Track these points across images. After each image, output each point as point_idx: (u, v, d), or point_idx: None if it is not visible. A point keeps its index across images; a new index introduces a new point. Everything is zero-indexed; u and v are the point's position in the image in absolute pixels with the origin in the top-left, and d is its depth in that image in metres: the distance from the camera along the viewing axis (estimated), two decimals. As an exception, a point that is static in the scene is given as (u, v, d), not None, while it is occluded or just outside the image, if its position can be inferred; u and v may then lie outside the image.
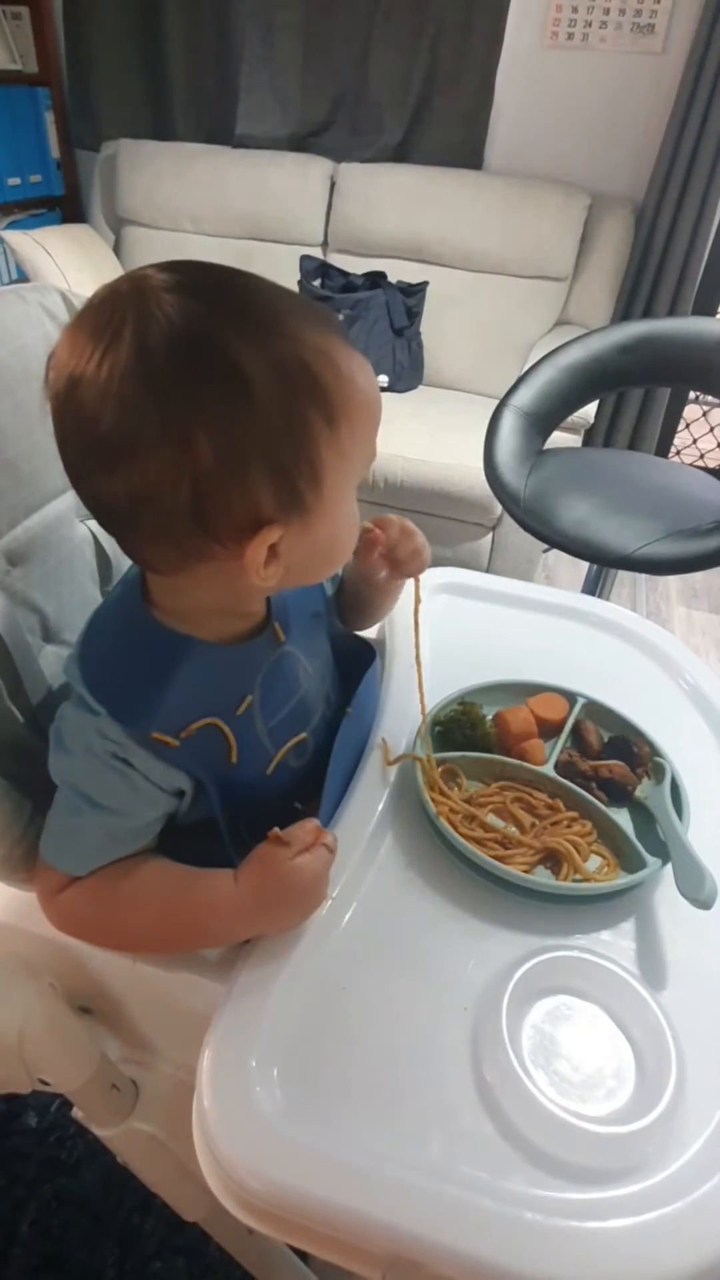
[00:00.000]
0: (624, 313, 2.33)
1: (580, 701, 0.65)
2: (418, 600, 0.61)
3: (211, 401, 0.39)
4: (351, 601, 0.67)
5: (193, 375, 0.38)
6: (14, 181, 2.50)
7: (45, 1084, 0.51)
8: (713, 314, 2.39)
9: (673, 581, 2.26)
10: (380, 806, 0.57)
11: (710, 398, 2.60)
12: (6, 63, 2.44)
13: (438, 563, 2.34)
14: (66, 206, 2.70)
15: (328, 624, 0.62)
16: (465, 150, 2.31)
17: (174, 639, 0.49)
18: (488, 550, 2.01)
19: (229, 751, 0.50)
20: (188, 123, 2.52)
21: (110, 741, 0.47)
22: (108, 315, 0.40)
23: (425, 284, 2.23)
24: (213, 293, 0.41)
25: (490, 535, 1.99)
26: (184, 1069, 0.57)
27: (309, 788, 0.57)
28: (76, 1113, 0.57)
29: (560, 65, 2.20)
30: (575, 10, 2.12)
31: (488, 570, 2.05)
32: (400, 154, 2.36)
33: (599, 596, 1.57)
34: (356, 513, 0.49)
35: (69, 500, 0.63)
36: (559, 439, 1.66)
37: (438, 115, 2.30)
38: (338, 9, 2.25)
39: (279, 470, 0.41)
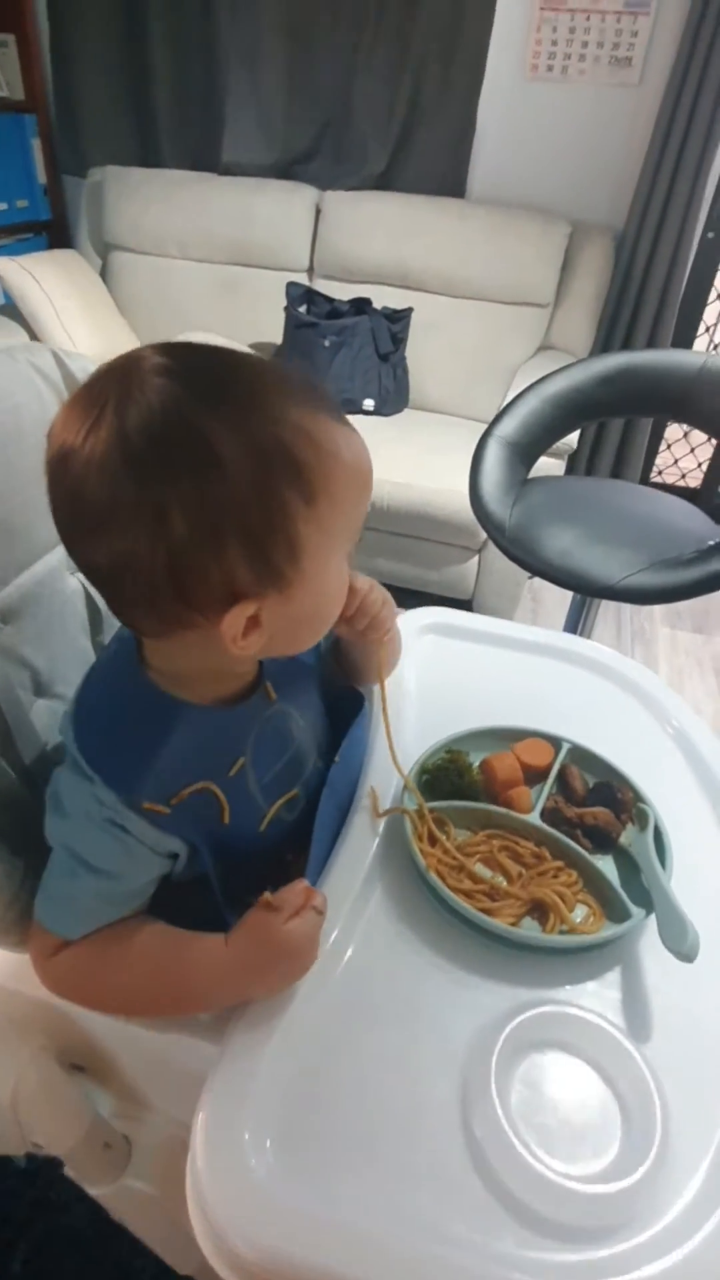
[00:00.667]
0: (606, 337, 2.37)
1: (565, 747, 0.66)
2: (382, 664, 0.63)
3: (184, 478, 0.40)
4: (345, 656, 0.68)
5: (166, 453, 0.40)
6: (1, 207, 2.51)
7: (38, 1146, 0.51)
8: (691, 340, 2.44)
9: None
10: (370, 858, 0.58)
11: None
12: (-7, 90, 2.46)
13: (424, 586, 2.35)
14: (53, 232, 2.72)
15: (319, 675, 0.63)
16: (448, 179, 2.35)
17: (167, 704, 0.49)
18: (474, 573, 2.03)
19: (222, 813, 0.51)
20: (174, 150, 2.54)
21: (105, 807, 0.48)
22: (97, 393, 0.42)
23: (410, 310, 2.26)
24: (194, 375, 0.42)
25: (476, 558, 2.01)
26: (176, 1124, 0.58)
27: (301, 839, 0.58)
28: (69, 1171, 0.57)
29: (540, 97, 2.24)
30: (554, 44, 2.17)
31: (474, 592, 2.07)
32: (384, 182, 2.39)
33: (584, 621, 1.59)
34: (345, 578, 0.51)
35: (59, 554, 0.64)
36: (544, 465, 1.69)
37: (421, 145, 2.34)
38: (322, 41, 2.29)
39: (254, 545, 0.42)
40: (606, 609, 2.24)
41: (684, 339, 2.42)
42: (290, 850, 0.58)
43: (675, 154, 2.12)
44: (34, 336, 2.28)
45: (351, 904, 0.55)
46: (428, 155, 2.34)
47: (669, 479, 2.77)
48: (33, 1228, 1.04)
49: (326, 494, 0.44)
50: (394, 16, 2.19)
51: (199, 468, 0.40)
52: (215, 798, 0.51)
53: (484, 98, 2.26)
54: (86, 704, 0.52)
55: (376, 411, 2.26)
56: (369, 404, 2.25)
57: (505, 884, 0.56)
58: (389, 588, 2.20)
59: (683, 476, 2.76)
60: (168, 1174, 0.58)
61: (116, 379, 0.41)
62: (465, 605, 2.10)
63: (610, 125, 2.23)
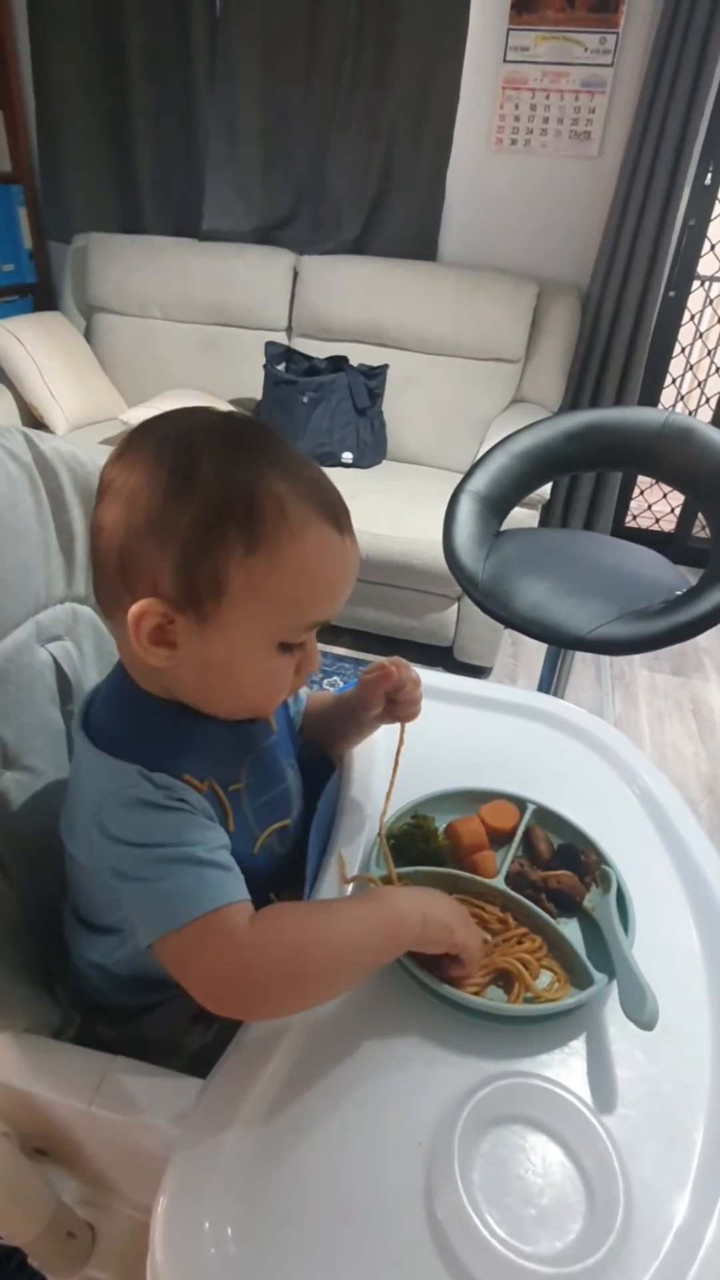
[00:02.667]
0: (576, 390, 2.45)
1: (530, 809, 0.67)
2: (401, 742, 0.65)
3: (164, 478, 0.47)
4: (337, 724, 0.70)
5: (163, 456, 0.48)
6: (-13, 271, 2.59)
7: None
8: (658, 393, 2.52)
9: (634, 646, 2.32)
10: (335, 928, 0.58)
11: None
12: (-19, 162, 2.56)
13: (405, 634, 2.37)
14: (38, 294, 2.80)
15: (294, 734, 0.67)
16: (419, 243, 2.45)
17: (173, 705, 0.53)
18: (454, 620, 2.06)
19: (226, 819, 0.54)
20: (156, 218, 2.64)
21: (161, 788, 0.49)
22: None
23: (385, 366, 2.33)
24: (228, 423, 0.50)
25: (455, 606, 2.04)
26: (141, 1210, 0.56)
27: (285, 880, 0.60)
28: (33, 1261, 0.56)
29: (505, 167, 2.36)
30: (517, 119, 2.29)
31: (454, 639, 2.09)
32: (358, 247, 2.49)
33: (560, 668, 1.61)
34: (273, 665, 0.51)
35: (29, 628, 0.65)
36: (518, 514, 1.72)
37: (393, 211, 2.44)
38: (297, 114, 2.40)
39: (186, 559, 0.47)
40: (586, 654, 2.27)
41: (651, 391, 2.50)
42: (275, 888, 0.59)
43: (635, 218, 2.23)
44: (18, 396, 2.33)
45: (317, 975, 0.55)
46: (400, 221, 2.45)
47: (643, 524, 2.83)
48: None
49: (268, 554, 0.47)
50: (366, 91, 2.31)
51: (177, 475, 0.47)
52: (220, 802, 0.53)
53: (452, 167, 2.37)
54: (96, 723, 0.54)
55: (355, 464, 2.31)
56: (348, 456, 2.31)
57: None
58: (370, 636, 2.23)
59: (656, 521, 2.82)
60: (132, 1264, 0.57)
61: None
62: (446, 651, 2.12)
63: (573, 192, 2.34)
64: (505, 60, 2.23)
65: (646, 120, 2.13)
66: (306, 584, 0.49)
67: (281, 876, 0.60)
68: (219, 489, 0.47)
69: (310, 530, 0.48)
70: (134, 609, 0.48)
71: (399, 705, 0.65)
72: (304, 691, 0.72)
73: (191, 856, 0.48)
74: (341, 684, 1.93)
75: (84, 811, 0.51)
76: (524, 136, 2.30)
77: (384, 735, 0.78)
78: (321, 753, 0.71)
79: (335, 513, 0.50)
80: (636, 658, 2.29)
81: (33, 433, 0.65)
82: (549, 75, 2.21)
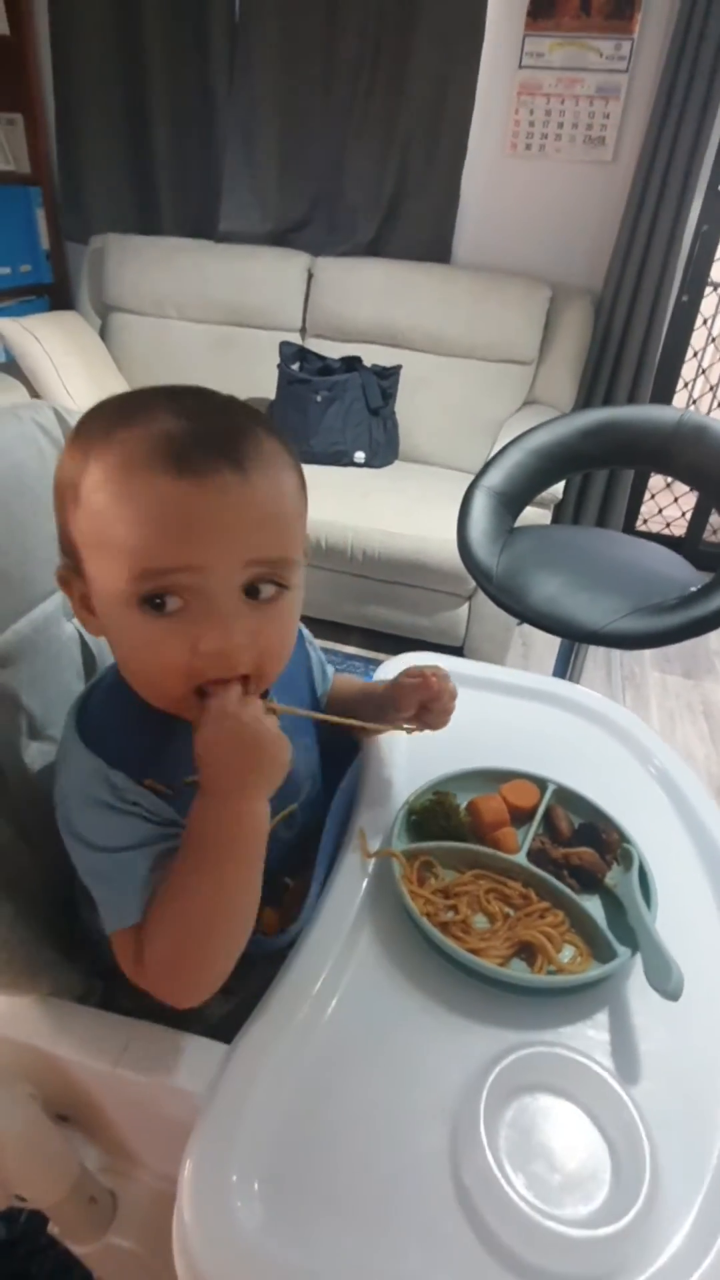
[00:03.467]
0: (588, 393, 2.45)
1: (551, 788, 0.67)
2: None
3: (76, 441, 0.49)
4: (363, 715, 0.67)
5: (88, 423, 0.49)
6: (5, 271, 2.61)
7: (21, 1200, 0.50)
8: (670, 397, 2.53)
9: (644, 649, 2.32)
10: (359, 900, 0.58)
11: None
12: (1, 164, 2.59)
13: (416, 633, 2.37)
14: (55, 294, 2.82)
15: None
16: (434, 246, 2.46)
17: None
18: (465, 619, 2.06)
19: None
20: (173, 220, 2.66)
21: (118, 789, 0.49)
22: None
23: (399, 367, 2.34)
24: (152, 391, 0.50)
25: (466, 605, 2.04)
26: (163, 1179, 0.57)
27: (296, 862, 0.59)
28: (53, 1228, 0.56)
29: (520, 171, 2.37)
30: (532, 124, 2.31)
31: (465, 638, 2.09)
32: (373, 249, 2.51)
33: (573, 666, 1.61)
34: (146, 640, 0.47)
35: (56, 601, 0.66)
36: (530, 514, 1.73)
37: (408, 215, 2.46)
38: (314, 117, 2.43)
39: (60, 516, 0.50)
40: (596, 654, 2.27)
41: (663, 394, 2.51)
42: (288, 872, 0.59)
43: (649, 223, 2.24)
44: (34, 393, 2.35)
45: (341, 946, 0.55)
46: (414, 224, 2.46)
47: (654, 527, 2.83)
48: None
49: (86, 502, 0.47)
50: (382, 96, 2.33)
51: (73, 436, 0.50)
52: None
53: (467, 171, 2.39)
54: (87, 706, 0.55)
55: (367, 463, 2.32)
56: (360, 456, 2.32)
57: (491, 926, 0.57)
58: (380, 635, 2.24)
59: (667, 525, 2.82)
60: (154, 1234, 0.57)
61: None
62: (457, 651, 2.12)
63: (587, 197, 2.35)
64: (520, 66, 2.24)
65: (661, 126, 2.15)
66: (121, 526, 0.45)
67: (293, 860, 0.60)
68: (76, 450, 0.48)
69: (122, 472, 0.45)
70: (58, 575, 0.50)
71: (431, 714, 0.64)
72: (330, 670, 0.73)
73: (123, 865, 0.49)
74: (352, 682, 1.93)
75: (59, 794, 0.53)
76: (539, 142, 2.32)
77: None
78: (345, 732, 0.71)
79: (176, 455, 0.44)
80: (647, 659, 2.29)
81: (63, 408, 0.66)
82: (564, 81, 2.22)
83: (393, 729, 0.66)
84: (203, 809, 0.47)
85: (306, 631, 0.70)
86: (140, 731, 0.52)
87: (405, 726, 0.66)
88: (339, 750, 0.69)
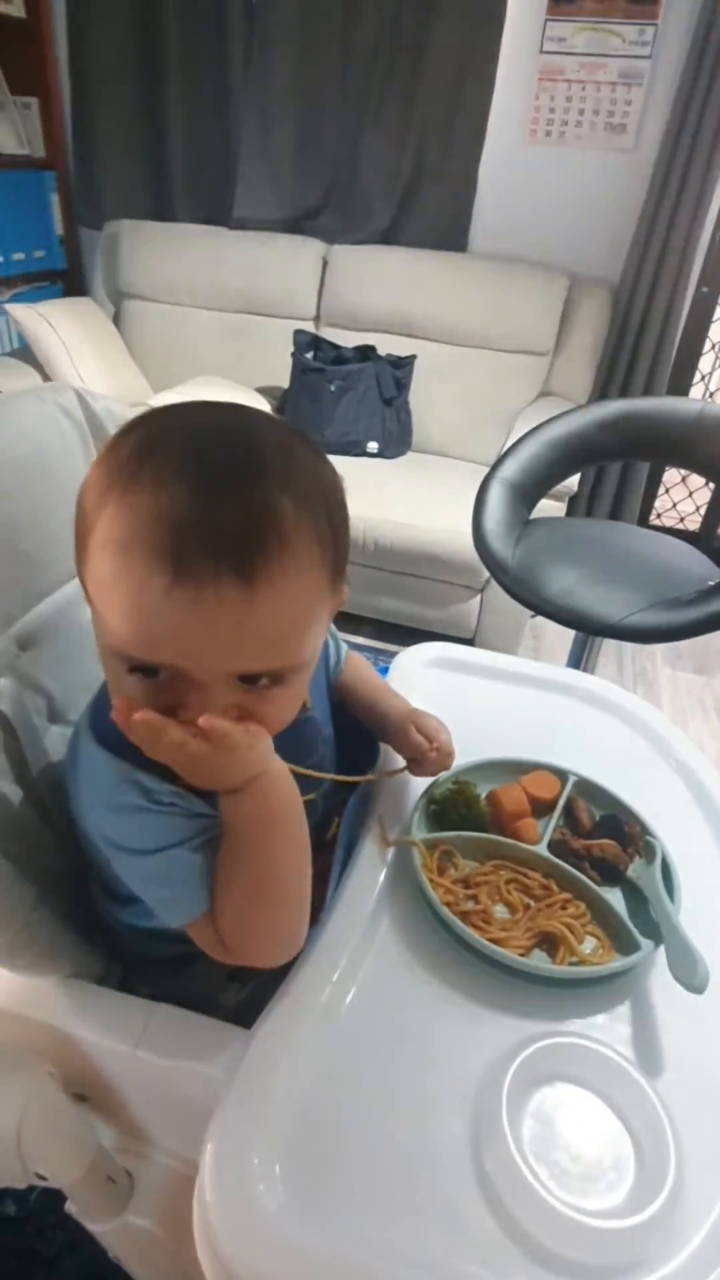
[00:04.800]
0: (604, 385, 2.43)
1: (572, 780, 0.67)
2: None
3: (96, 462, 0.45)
4: (368, 722, 0.69)
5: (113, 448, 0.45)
6: (19, 256, 2.60)
7: (41, 1178, 0.51)
8: (686, 389, 2.50)
9: (658, 644, 2.31)
10: (378, 889, 0.58)
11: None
12: (16, 148, 2.57)
13: (426, 625, 2.36)
14: (68, 280, 2.81)
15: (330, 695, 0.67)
16: (450, 234, 2.44)
17: None
18: (476, 612, 2.05)
19: None
20: (187, 206, 2.64)
21: (151, 791, 0.48)
22: None
23: (413, 357, 2.32)
24: (198, 439, 0.44)
25: (479, 597, 2.03)
26: (181, 1160, 0.57)
27: (318, 847, 0.58)
28: (70, 1207, 0.56)
29: (539, 159, 2.35)
30: (552, 110, 2.28)
31: (476, 630, 2.09)
32: (389, 237, 2.49)
33: (586, 661, 1.60)
34: (124, 690, 0.44)
35: (77, 584, 0.66)
36: (544, 506, 1.72)
37: (424, 202, 2.44)
38: (330, 104, 2.40)
39: (78, 527, 0.45)
40: (608, 650, 2.25)
41: (680, 387, 2.48)
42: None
43: (669, 213, 2.21)
44: (47, 379, 2.35)
45: (360, 935, 0.55)
46: (431, 212, 2.44)
47: (668, 522, 2.81)
48: (17, 1286, 1.00)
49: (85, 566, 0.44)
50: (400, 82, 2.30)
51: (101, 457, 0.45)
52: None
53: (485, 159, 2.36)
54: (103, 709, 0.51)
55: (380, 454, 2.31)
56: (373, 446, 2.30)
57: (511, 916, 0.57)
58: (391, 626, 2.23)
59: (681, 520, 2.80)
60: (170, 1214, 0.57)
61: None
62: (467, 643, 2.10)
63: (606, 186, 2.33)
64: (542, 51, 2.21)
65: (684, 114, 2.12)
66: (113, 610, 0.42)
67: (315, 846, 0.59)
68: (91, 486, 0.44)
69: (121, 554, 0.40)
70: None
71: (419, 766, 0.65)
72: (344, 653, 0.72)
73: (175, 862, 0.48)
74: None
75: (84, 804, 0.51)
76: (559, 128, 2.29)
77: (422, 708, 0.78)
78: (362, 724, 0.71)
79: (177, 553, 0.39)
80: (660, 656, 2.28)
81: (85, 390, 0.66)
82: (586, 67, 2.19)
83: (373, 778, 0.68)
84: (224, 803, 0.48)
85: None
86: None
87: (386, 774, 0.67)
88: (359, 740, 0.68)
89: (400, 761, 0.67)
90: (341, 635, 0.74)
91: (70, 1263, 0.96)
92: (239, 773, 0.45)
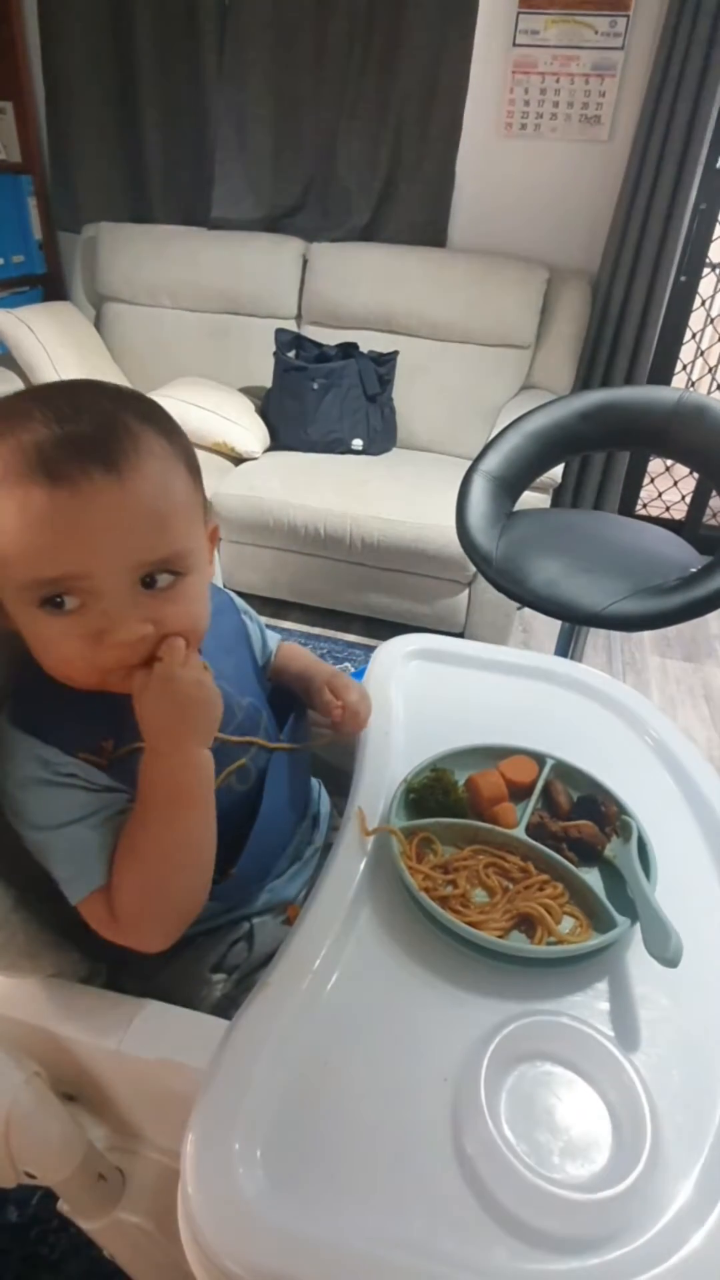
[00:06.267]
0: (585, 376, 2.44)
1: (549, 763, 0.67)
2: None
3: None
4: (304, 695, 0.73)
5: None
6: (-2, 262, 2.60)
7: (31, 1177, 0.51)
8: (668, 378, 2.51)
9: (646, 632, 2.32)
10: (358, 877, 0.58)
11: (672, 453, 2.70)
12: (-9, 153, 2.57)
13: (415, 620, 2.37)
14: (48, 284, 2.81)
15: (262, 678, 0.71)
16: (429, 230, 2.44)
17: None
18: (464, 606, 2.06)
19: None
20: (165, 207, 2.64)
21: (51, 764, 0.51)
22: None
23: (396, 353, 2.33)
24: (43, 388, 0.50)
25: (466, 591, 2.04)
26: (170, 1155, 0.57)
27: (249, 812, 0.62)
28: (62, 1206, 0.57)
29: (515, 152, 2.35)
30: (527, 103, 2.29)
31: (465, 625, 2.09)
32: (368, 234, 2.49)
33: (573, 650, 1.61)
34: (47, 637, 0.49)
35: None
36: (528, 498, 1.73)
37: (402, 198, 2.44)
38: (306, 102, 2.40)
39: None
40: (597, 639, 2.26)
41: (661, 376, 2.49)
42: (240, 823, 0.61)
43: (645, 202, 2.22)
44: (29, 385, 2.34)
45: (340, 923, 0.55)
46: (409, 207, 2.44)
47: (653, 512, 2.82)
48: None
49: None
50: (375, 78, 2.31)
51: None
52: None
53: (462, 153, 2.37)
54: (16, 694, 0.55)
55: (365, 451, 2.32)
56: (358, 444, 2.31)
57: (490, 899, 0.57)
58: (381, 622, 2.24)
59: (667, 509, 2.81)
60: (162, 1209, 0.58)
61: None
62: (457, 637, 2.11)
63: (583, 177, 2.33)
64: (515, 44, 2.22)
65: (657, 103, 2.12)
66: (4, 538, 0.45)
67: (246, 811, 0.62)
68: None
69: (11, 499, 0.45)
70: None
71: (337, 727, 0.69)
72: (275, 638, 0.76)
73: (74, 838, 0.51)
74: (353, 670, 1.94)
75: (3, 785, 0.53)
76: (534, 121, 2.30)
77: (401, 699, 0.78)
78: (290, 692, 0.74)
79: (47, 464, 0.44)
80: (649, 644, 2.29)
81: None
82: (559, 59, 2.20)
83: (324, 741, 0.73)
84: (151, 765, 0.50)
85: (241, 602, 0.73)
86: (68, 710, 0.53)
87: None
88: (285, 708, 0.72)
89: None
90: (331, 633, 0.77)
91: (74, 1266, 0.96)
92: (208, 726, 0.50)
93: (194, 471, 0.52)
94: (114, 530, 0.46)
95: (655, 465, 2.69)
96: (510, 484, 1.50)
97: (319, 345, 2.34)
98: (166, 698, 0.48)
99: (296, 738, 0.69)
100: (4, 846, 0.56)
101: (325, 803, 0.76)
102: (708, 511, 2.74)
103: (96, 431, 0.46)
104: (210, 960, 0.62)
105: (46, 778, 0.51)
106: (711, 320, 2.60)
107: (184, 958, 0.62)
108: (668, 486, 2.79)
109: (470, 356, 2.35)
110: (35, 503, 0.44)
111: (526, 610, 2.24)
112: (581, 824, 0.61)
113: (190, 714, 0.50)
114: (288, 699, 0.72)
